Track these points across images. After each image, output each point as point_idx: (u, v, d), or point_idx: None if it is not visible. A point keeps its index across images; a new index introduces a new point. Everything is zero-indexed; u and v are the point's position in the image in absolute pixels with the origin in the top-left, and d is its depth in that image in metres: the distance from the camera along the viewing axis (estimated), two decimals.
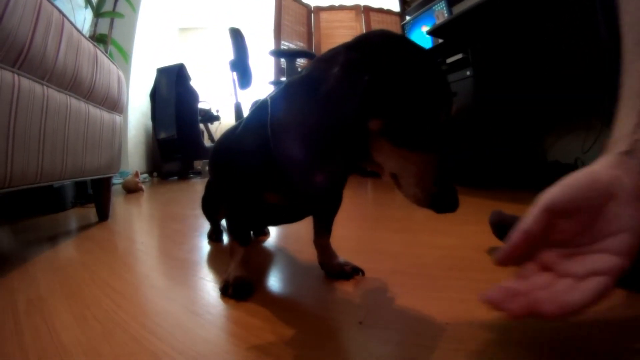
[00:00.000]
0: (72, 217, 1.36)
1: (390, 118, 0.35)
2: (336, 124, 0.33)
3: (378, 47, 0.36)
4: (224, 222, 0.98)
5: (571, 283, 0.30)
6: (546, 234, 0.33)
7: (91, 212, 1.36)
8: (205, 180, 0.90)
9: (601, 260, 0.30)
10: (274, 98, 0.39)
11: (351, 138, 0.35)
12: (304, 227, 0.70)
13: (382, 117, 0.35)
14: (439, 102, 0.35)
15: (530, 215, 0.34)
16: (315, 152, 0.34)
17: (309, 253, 0.75)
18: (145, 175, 3.51)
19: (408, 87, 0.34)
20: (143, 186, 2.32)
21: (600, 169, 0.32)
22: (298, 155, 0.35)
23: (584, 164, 1.91)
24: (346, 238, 0.85)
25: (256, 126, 0.48)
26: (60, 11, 0.80)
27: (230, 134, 0.60)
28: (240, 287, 0.54)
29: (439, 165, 0.36)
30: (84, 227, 1.13)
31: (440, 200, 0.35)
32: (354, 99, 0.33)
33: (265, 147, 0.40)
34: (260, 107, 0.49)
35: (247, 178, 0.52)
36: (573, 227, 0.32)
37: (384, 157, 0.37)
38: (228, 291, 0.54)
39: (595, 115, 1.75)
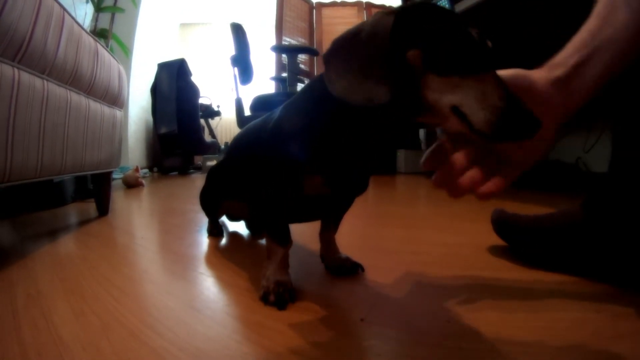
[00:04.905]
0: (72, 212, 1.36)
1: (424, 45, 0.35)
2: (374, 56, 0.36)
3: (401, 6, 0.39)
4: (223, 218, 0.98)
5: (481, 176, 0.37)
6: None
7: (91, 207, 1.36)
8: (205, 175, 0.88)
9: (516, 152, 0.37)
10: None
11: (397, 74, 0.35)
12: (305, 224, 0.69)
13: (416, 46, 0.35)
14: (463, 22, 0.35)
15: None
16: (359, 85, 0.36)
17: (309, 250, 0.75)
18: (146, 170, 3.51)
19: (432, 17, 0.36)
20: (143, 181, 2.32)
21: (538, 79, 0.38)
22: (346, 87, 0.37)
23: (585, 163, 1.90)
24: (348, 234, 0.85)
25: (305, 103, 0.48)
26: (61, 5, 0.80)
27: (267, 119, 0.57)
28: (283, 294, 0.49)
29: (498, 82, 0.34)
30: (84, 222, 1.13)
31: (514, 116, 0.32)
32: (385, 30, 0.35)
33: (318, 123, 0.44)
34: (305, 88, 0.50)
35: (293, 161, 0.47)
36: None
37: (437, 93, 0.35)
38: (269, 299, 0.49)
39: (598, 115, 1.74)
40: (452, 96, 0.34)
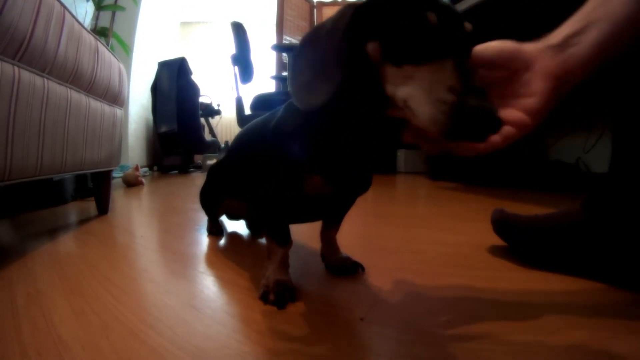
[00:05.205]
0: (72, 211, 1.36)
1: (381, 36, 0.33)
2: (332, 51, 0.35)
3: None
4: (223, 217, 0.98)
5: None
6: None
7: (91, 205, 1.36)
8: (205, 174, 0.88)
9: (512, 113, 0.37)
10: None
11: (355, 70, 0.35)
12: (307, 223, 0.69)
13: (374, 38, 0.33)
14: (424, 7, 0.32)
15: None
16: (317, 76, 0.36)
17: (310, 249, 0.75)
18: (146, 169, 3.51)
19: (391, 6, 0.33)
20: (143, 180, 2.32)
21: (528, 47, 0.39)
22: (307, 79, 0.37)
23: (585, 164, 1.90)
24: (348, 234, 0.85)
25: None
26: (61, 3, 0.80)
27: (269, 117, 0.56)
28: (282, 293, 0.49)
29: (456, 68, 0.29)
30: (84, 221, 1.13)
31: (466, 112, 0.28)
32: (341, 25, 0.35)
33: (316, 123, 0.44)
34: None
35: (293, 161, 0.46)
36: (499, 77, 0.39)
37: (393, 86, 0.32)
38: (269, 297, 0.49)
39: (598, 115, 1.74)
40: (403, 88, 0.31)
